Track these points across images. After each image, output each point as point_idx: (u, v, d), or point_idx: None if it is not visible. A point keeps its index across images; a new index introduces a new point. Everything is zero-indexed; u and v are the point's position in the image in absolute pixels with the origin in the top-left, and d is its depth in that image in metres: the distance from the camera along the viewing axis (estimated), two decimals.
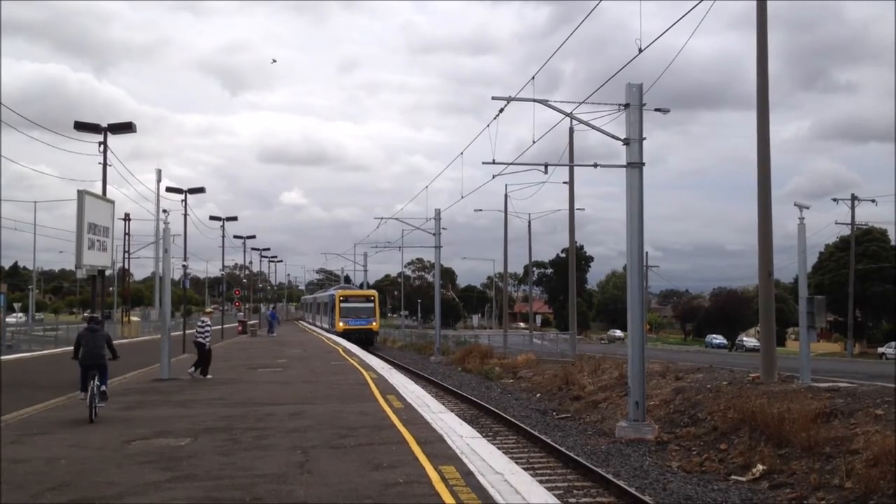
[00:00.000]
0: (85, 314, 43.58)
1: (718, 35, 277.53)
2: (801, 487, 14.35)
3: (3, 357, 33.37)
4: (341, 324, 62.34)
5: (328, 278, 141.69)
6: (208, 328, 25.41)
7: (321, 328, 75.37)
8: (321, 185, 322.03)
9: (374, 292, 70.95)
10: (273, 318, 68.93)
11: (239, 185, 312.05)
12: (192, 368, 25.12)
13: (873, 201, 67.48)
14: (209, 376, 24.76)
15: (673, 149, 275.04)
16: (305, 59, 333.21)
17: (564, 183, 47.36)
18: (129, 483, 10.03)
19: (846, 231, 71.65)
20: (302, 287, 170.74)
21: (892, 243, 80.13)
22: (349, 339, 52.47)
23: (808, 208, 23.18)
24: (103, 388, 16.53)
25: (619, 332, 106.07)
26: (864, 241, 76.74)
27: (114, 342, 17.16)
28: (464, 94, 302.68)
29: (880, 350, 66.97)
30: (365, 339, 58.65)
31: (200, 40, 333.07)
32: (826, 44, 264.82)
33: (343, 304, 63.92)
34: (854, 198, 68.03)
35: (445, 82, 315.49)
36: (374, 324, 64.60)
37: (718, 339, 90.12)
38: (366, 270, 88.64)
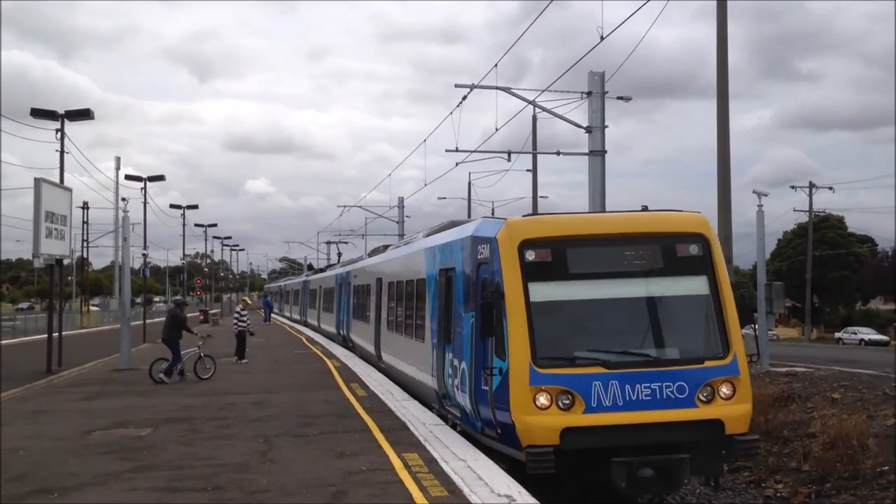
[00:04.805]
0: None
1: (684, 25, 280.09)
2: (758, 471, 14.60)
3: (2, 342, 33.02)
4: (544, 417, 10.27)
5: (291, 267, 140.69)
6: (244, 314, 26.64)
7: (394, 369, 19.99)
8: (287, 174, 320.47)
9: (701, 220, 11.63)
10: (267, 305, 68.85)
11: (203, 174, 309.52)
12: (235, 358, 25.86)
13: (831, 189, 68.65)
14: (244, 361, 25.46)
15: (638, 137, 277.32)
16: (274, 46, 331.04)
17: (528, 171, 47.41)
18: (89, 474, 9.92)
19: (804, 218, 72.71)
20: (265, 276, 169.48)
21: (849, 230, 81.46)
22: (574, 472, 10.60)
23: (766, 195, 23.58)
24: (176, 366, 19.94)
25: None
26: (822, 227, 77.81)
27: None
28: (433, 83, 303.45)
29: (837, 335, 68.14)
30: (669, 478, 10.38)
31: (169, 27, 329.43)
32: (789, 34, 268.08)
33: (549, 298, 11.11)
34: (812, 185, 69.04)
35: (415, 71, 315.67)
36: (733, 399, 10.68)
37: None
38: (328, 259, 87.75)
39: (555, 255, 11.04)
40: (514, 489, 8.80)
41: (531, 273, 10.89)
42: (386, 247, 28.09)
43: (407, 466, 9.92)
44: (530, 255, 10.95)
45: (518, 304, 10.68)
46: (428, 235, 17.46)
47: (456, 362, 12.54)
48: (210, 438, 12.34)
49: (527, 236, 11.09)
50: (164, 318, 24.49)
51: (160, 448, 11.57)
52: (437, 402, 14.30)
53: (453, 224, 15.99)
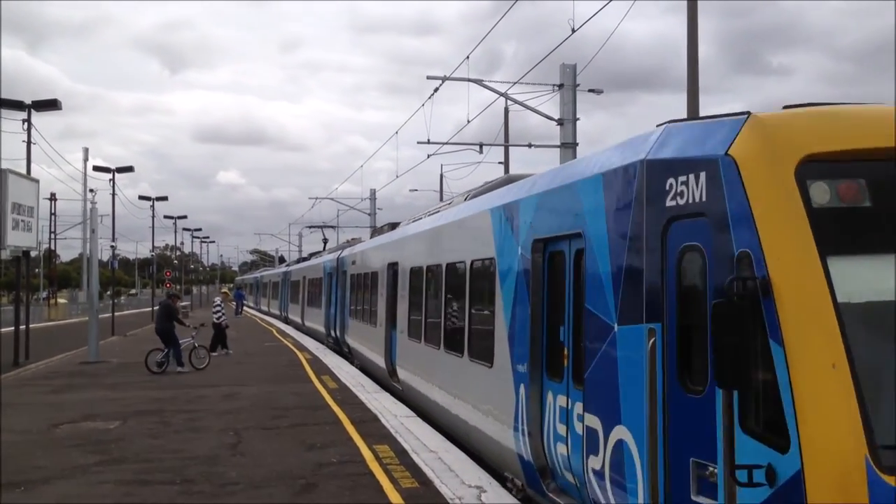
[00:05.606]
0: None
1: (656, 19, 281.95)
2: None
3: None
4: None
5: (262, 259, 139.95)
6: (219, 307, 26.23)
7: None
8: (259, 165, 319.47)
9: None
10: (239, 297, 68.54)
11: (173, 165, 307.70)
12: (219, 350, 25.13)
13: None
14: (222, 352, 24.92)
15: (613, 130, 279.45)
16: (246, 37, 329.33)
17: (500, 163, 47.43)
18: (57, 467, 9.83)
19: None
20: (236, 268, 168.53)
21: None
22: None
23: None
24: (180, 354, 20.38)
25: None
26: None
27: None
28: (406, 75, 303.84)
29: None
30: None
31: (140, 18, 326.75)
32: (760, 28, 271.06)
33: None
34: None
35: (388, 63, 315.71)
36: None
37: None
38: (300, 251, 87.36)
39: (880, 192, 4.70)
40: (484, 480, 8.81)
41: (832, 235, 4.59)
42: (394, 225, 20.54)
43: (378, 458, 9.92)
44: (824, 195, 4.66)
45: (816, 308, 4.43)
46: (473, 197, 11.68)
47: (597, 424, 6.31)
48: (179, 431, 12.26)
49: (814, 149, 4.73)
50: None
51: (128, 441, 11.49)
52: (521, 476, 8.39)
53: (510, 180, 10.41)
